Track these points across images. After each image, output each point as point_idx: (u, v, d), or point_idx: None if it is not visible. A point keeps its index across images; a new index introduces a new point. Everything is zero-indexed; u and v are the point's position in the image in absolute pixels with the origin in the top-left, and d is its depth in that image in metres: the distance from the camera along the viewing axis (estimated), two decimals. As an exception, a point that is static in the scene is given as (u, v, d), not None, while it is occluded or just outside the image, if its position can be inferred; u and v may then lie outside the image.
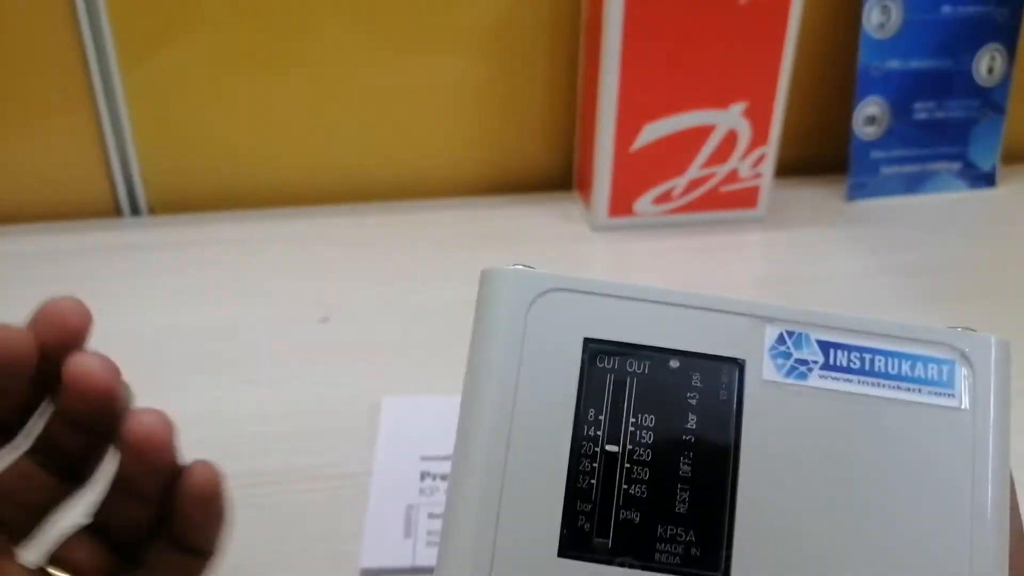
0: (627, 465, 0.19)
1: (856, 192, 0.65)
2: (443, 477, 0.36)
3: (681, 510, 0.18)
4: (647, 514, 0.18)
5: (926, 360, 0.20)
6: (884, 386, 0.19)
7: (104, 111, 0.57)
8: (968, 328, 0.20)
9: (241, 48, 0.58)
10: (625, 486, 0.18)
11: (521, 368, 0.19)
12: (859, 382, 0.19)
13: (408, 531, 0.34)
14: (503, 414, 0.19)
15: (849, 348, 0.19)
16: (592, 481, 0.18)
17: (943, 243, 0.62)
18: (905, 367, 0.19)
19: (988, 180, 0.68)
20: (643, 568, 0.18)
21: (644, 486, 0.18)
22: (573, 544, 0.18)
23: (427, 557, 0.33)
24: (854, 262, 0.58)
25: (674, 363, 0.19)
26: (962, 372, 0.19)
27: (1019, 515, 0.21)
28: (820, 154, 0.68)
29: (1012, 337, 0.53)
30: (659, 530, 0.18)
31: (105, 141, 0.58)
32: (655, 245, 0.60)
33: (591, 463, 0.19)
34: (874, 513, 0.19)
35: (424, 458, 0.38)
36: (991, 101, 0.66)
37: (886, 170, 0.66)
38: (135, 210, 0.61)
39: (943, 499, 0.19)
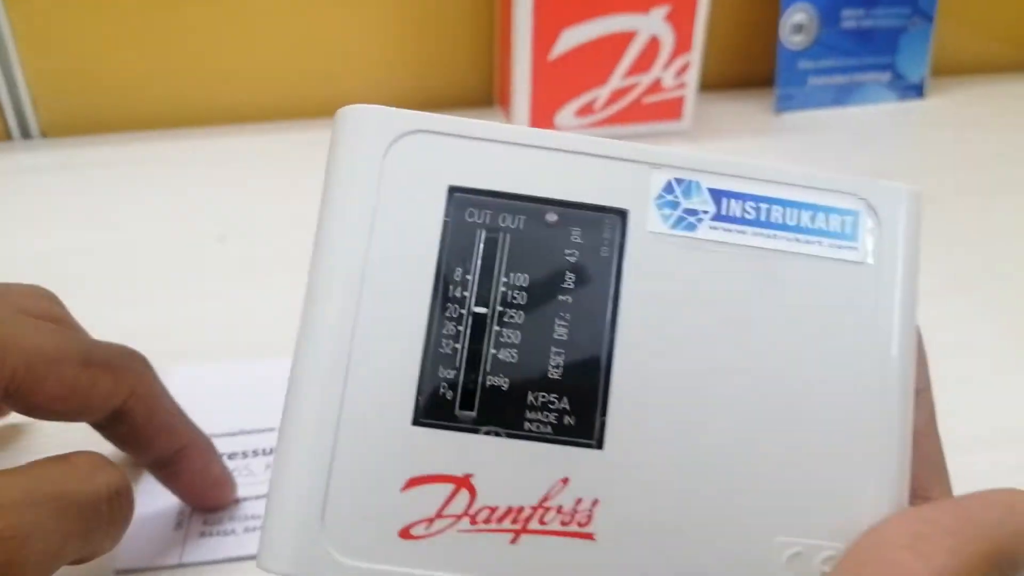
0: (496, 328, 0.17)
1: (784, 104, 0.64)
2: (230, 456, 0.32)
3: (555, 376, 0.17)
4: (517, 380, 0.17)
5: (828, 210, 0.18)
6: (781, 238, 0.18)
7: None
8: (880, 180, 0.18)
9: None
10: (494, 351, 0.17)
11: (376, 219, 0.17)
12: (753, 233, 0.18)
13: (180, 522, 0.29)
14: (353, 269, 0.17)
15: (744, 197, 0.18)
16: (456, 345, 0.17)
17: (871, 153, 0.61)
18: (804, 217, 0.18)
19: (917, 91, 0.67)
20: (510, 436, 0.17)
21: (515, 350, 0.17)
22: (430, 412, 0.17)
23: (198, 552, 0.28)
24: (780, 173, 0.57)
25: (551, 215, 0.18)
26: (867, 223, 0.18)
27: (925, 371, 0.20)
28: (747, 67, 0.66)
29: (935, 236, 0.53)
30: (529, 397, 0.17)
31: (-10, 62, 0.55)
32: (578, 160, 0.58)
33: (456, 326, 0.17)
34: (768, 375, 0.17)
35: (211, 436, 0.31)
36: (920, 9, 0.65)
37: (814, 81, 0.64)
38: (26, 134, 0.57)
39: (843, 359, 0.17)
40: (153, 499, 0.30)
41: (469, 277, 0.17)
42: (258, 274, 0.45)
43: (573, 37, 0.55)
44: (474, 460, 0.16)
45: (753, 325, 0.17)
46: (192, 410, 0.34)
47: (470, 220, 0.17)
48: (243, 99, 0.60)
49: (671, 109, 0.59)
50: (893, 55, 0.66)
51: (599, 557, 0.16)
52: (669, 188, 0.18)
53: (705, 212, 0.18)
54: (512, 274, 0.17)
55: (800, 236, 0.18)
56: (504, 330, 0.17)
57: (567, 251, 0.17)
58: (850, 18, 0.63)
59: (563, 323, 0.17)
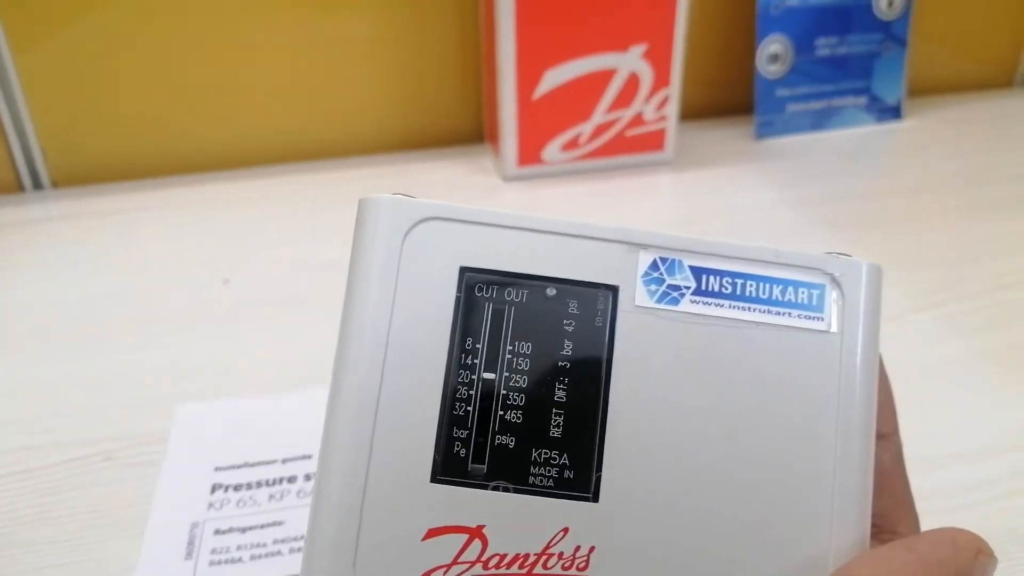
0: (503, 392, 0.19)
1: (764, 131, 0.66)
2: (235, 488, 0.34)
3: (556, 434, 0.19)
4: (522, 439, 0.19)
5: (796, 284, 0.20)
6: (754, 310, 0.20)
7: (-1, 92, 0.56)
8: (842, 254, 0.20)
9: (136, 19, 0.57)
10: (501, 412, 0.19)
11: (396, 297, 0.19)
12: (730, 306, 0.20)
13: (190, 551, 0.31)
14: (377, 343, 0.19)
15: (721, 273, 0.20)
16: (468, 408, 0.19)
17: (850, 175, 0.63)
18: (776, 291, 0.20)
19: (894, 113, 0.70)
20: (516, 491, 0.18)
21: (520, 412, 0.19)
22: (447, 470, 0.18)
23: None
24: (762, 197, 0.59)
25: (551, 291, 0.19)
26: (832, 295, 0.20)
27: (893, 415, 0.22)
28: (727, 96, 0.69)
29: (912, 259, 0.55)
30: (534, 454, 0.19)
31: (1, 121, 0.57)
32: (566, 191, 0.60)
33: (468, 390, 0.19)
34: (742, 434, 0.19)
35: (218, 468, 0.35)
36: (893, 34, 0.67)
37: (792, 107, 0.66)
38: (37, 185, 0.60)
39: (810, 420, 0.19)
40: (164, 529, 0.32)
41: (479, 346, 0.19)
42: (262, 315, 0.47)
43: (556, 77, 0.57)
44: (485, 513, 0.18)
45: (730, 388, 0.19)
46: (198, 446, 0.36)
47: (479, 295, 0.19)
48: (243, 145, 0.63)
49: (654, 141, 0.61)
50: (869, 79, 0.68)
51: None
52: (654, 266, 0.20)
53: (687, 287, 0.20)
54: (517, 343, 0.19)
55: (772, 308, 0.20)
56: (510, 393, 0.19)
57: (565, 322, 0.19)
58: (824, 46, 0.66)
59: (562, 386, 0.19)
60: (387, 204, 0.19)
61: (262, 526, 0.33)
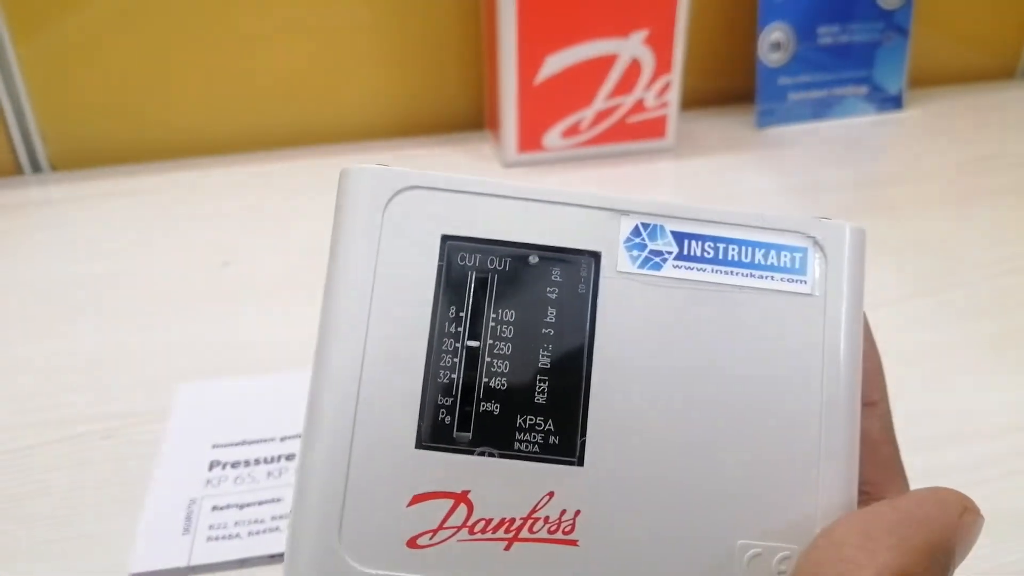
0: (488, 359, 0.19)
1: (765, 119, 0.66)
2: (233, 465, 0.34)
3: (540, 400, 0.19)
4: (507, 405, 0.19)
5: (779, 248, 0.20)
6: (736, 274, 0.20)
7: (-1, 76, 0.56)
8: (825, 217, 0.20)
9: (136, 4, 0.57)
10: (486, 379, 0.19)
11: (378, 266, 0.19)
12: (712, 271, 0.20)
13: (188, 527, 0.32)
14: (360, 313, 0.19)
15: (703, 238, 0.20)
16: (453, 376, 0.19)
17: (851, 164, 0.63)
18: (758, 255, 0.20)
19: (895, 103, 0.69)
20: (502, 456, 0.19)
21: (504, 379, 0.19)
22: (432, 436, 0.18)
23: (205, 555, 0.31)
24: (763, 185, 0.59)
25: (533, 258, 0.19)
26: (815, 259, 0.20)
27: (882, 383, 0.22)
28: (728, 84, 0.69)
29: (911, 247, 0.55)
30: (519, 420, 0.19)
31: (1, 105, 0.57)
32: (567, 178, 0.60)
33: (452, 358, 0.19)
34: (725, 398, 0.19)
35: (215, 446, 0.35)
36: (895, 23, 0.67)
37: (794, 96, 0.66)
38: (36, 168, 0.60)
39: (795, 384, 0.19)
40: (161, 505, 0.33)
41: (462, 314, 0.19)
42: (260, 296, 0.47)
43: (557, 62, 0.57)
44: (471, 478, 0.18)
45: (713, 352, 0.19)
46: (197, 424, 0.36)
47: (462, 263, 0.19)
48: (243, 129, 0.63)
49: (655, 128, 0.61)
50: (870, 68, 0.68)
51: (582, 560, 0.18)
52: (636, 232, 0.20)
53: (669, 252, 0.20)
54: (500, 310, 0.19)
55: (754, 272, 0.20)
56: (494, 361, 0.19)
57: (548, 289, 0.19)
58: (826, 35, 0.66)
59: (546, 353, 0.19)
60: (368, 174, 0.19)
61: (260, 503, 0.33)
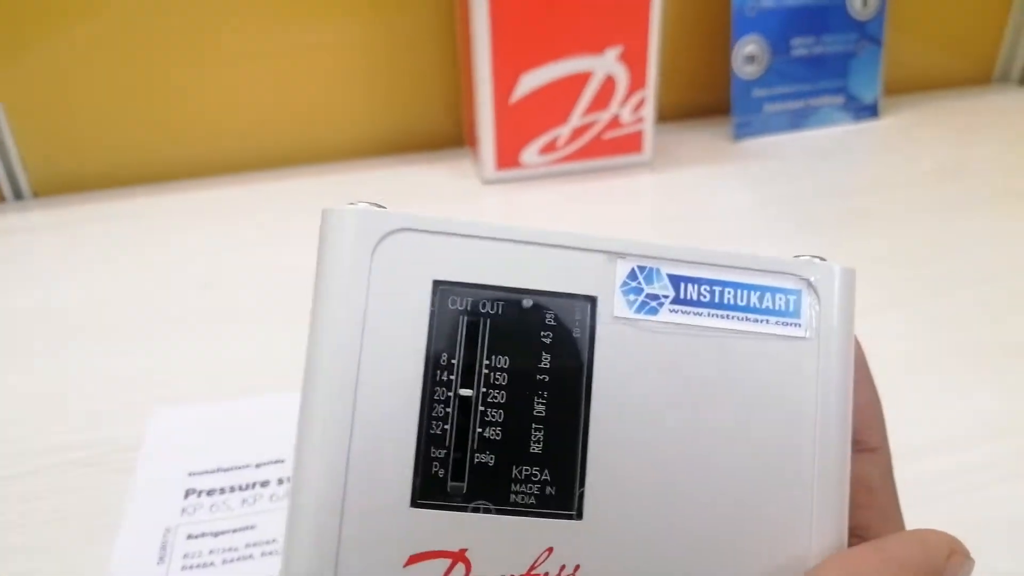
0: (481, 408, 0.18)
1: (741, 131, 0.67)
2: (208, 493, 0.34)
3: (536, 450, 0.18)
4: (502, 456, 0.18)
5: (774, 291, 0.20)
6: (732, 318, 0.19)
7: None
8: (817, 256, 0.20)
9: (114, 33, 0.57)
10: (480, 429, 0.18)
11: (367, 314, 0.18)
12: (709, 315, 0.19)
13: (163, 556, 0.32)
14: (348, 364, 0.18)
15: (699, 281, 0.19)
16: (446, 427, 0.18)
17: (828, 173, 0.63)
18: (753, 298, 0.20)
19: (871, 111, 0.70)
20: (498, 511, 0.18)
21: (499, 428, 0.18)
22: (427, 493, 0.18)
23: None
24: (741, 197, 0.60)
25: (527, 302, 0.19)
26: (808, 301, 0.20)
27: (882, 430, 0.22)
28: (704, 97, 0.69)
29: (887, 256, 0.55)
30: (514, 471, 0.18)
31: (-17, 129, 0.58)
32: (545, 195, 0.60)
33: (444, 408, 0.18)
34: (723, 443, 0.19)
35: (191, 474, 0.35)
36: (868, 34, 0.68)
37: (769, 107, 0.67)
38: (18, 195, 0.60)
39: (789, 427, 0.19)
40: (137, 534, 0.33)
41: (454, 362, 0.18)
42: (241, 319, 0.47)
43: (532, 80, 0.58)
44: (468, 536, 0.18)
45: (710, 398, 0.19)
46: (173, 451, 0.36)
47: (453, 308, 0.18)
48: (223, 153, 0.63)
49: (631, 143, 0.62)
50: (845, 78, 0.69)
51: None
52: (633, 275, 0.19)
53: (665, 296, 0.19)
54: (493, 356, 0.18)
55: (750, 316, 0.19)
56: (488, 410, 0.18)
57: (543, 334, 0.19)
58: (800, 46, 0.66)
59: (541, 400, 0.18)
60: (354, 216, 0.18)
61: (234, 530, 0.33)
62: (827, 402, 0.19)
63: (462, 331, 0.18)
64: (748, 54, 0.65)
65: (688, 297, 0.19)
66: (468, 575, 0.18)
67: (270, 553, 0.32)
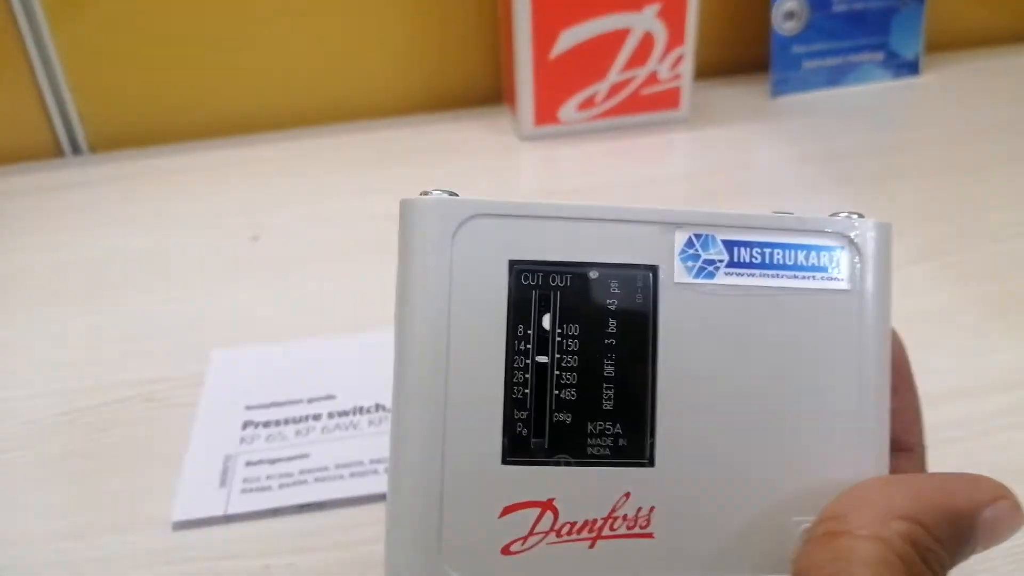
0: (556, 372, 0.20)
1: (780, 88, 0.67)
2: (265, 424, 0.37)
3: (608, 407, 0.20)
4: (578, 414, 0.20)
5: (818, 249, 0.21)
6: (782, 276, 0.21)
7: (38, 65, 0.59)
8: (855, 213, 0.22)
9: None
10: (556, 391, 0.20)
11: (452, 295, 0.20)
12: (761, 275, 0.21)
13: (224, 480, 0.34)
14: (438, 341, 0.20)
15: (751, 244, 0.21)
16: (526, 391, 0.20)
17: (865, 131, 0.63)
18: (800, 257, 0.21)
19: (912, 68, 0.70)
20: (578, 464, 0.20)
21: (573, 390, 0.20)
22: (514, 450, 0.20)
23: (240, 505, 0.33)
24: (777, 153, 0.60)
25: (593, 274, 0.21)
26: (849, 256, 0.22)
27: (919, 430, 0.24)
28: (743, 54, 0.69)
29: (919, 212, 0.56)
30: (589, 427, 0.20)
31: (42, 91, 0.60)
32: (583, 150, 0.61)
33: (524, 375, 0.20)
34: (778, 392, 0.21)
35: (248, 407, 0.38)
36: (911, -11, 0.67)
37: (808, 64, 0.67)
38: (76, 150, 0.63)
39: (836, 370, 0.21)
40: (200, 461, 0.35)
41: (531, 332, 0.20)
42: (288, 268, 0.50)
43: (571, 37, 0.58)
44: (554, 486, 0.20)
45: (764, 349, 0.21)
46: (231, 387, 0.39)
47: (526, 284, 0.20)
48: (270, 110, 0.65)
49: (669, 99, 0.63)
50: (886, 35, 0.68)
51: (659, 550, 0.20)
52: (690, 243, 0.21)
53: (721, 261, 0.21)
54: (565, 325, 0.20)
55: (798, 273, 0.21)
56: (563, 373, 0.20)
57: (608, 302, 0.21)
58: (840, 2, 0.66)
59: (611, 362, 0.20)
60: (433, 206, 0.20)
61: (289, 458, 0.35)
62: (867, 344, 0.21)
63: (536, 304, 0.20)
64: (788, 10, 0.65)
65: (741, 260, 0.21)
66: (556, 521, 0.20)
67: (323, 479, 0.34)
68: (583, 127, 0.62)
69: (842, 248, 0.21)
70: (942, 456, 0.35)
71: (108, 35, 0.60)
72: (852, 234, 0.21)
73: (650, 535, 0.20)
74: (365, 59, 0.65)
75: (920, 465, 0.23)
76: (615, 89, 0.61)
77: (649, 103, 0.62)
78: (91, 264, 0.51)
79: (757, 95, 0.67)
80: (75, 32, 0.59)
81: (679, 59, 0.61)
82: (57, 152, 0.63)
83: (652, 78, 0.61)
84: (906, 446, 0.23)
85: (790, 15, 0.65)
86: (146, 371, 0.42)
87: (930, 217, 0.52)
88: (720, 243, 0.21)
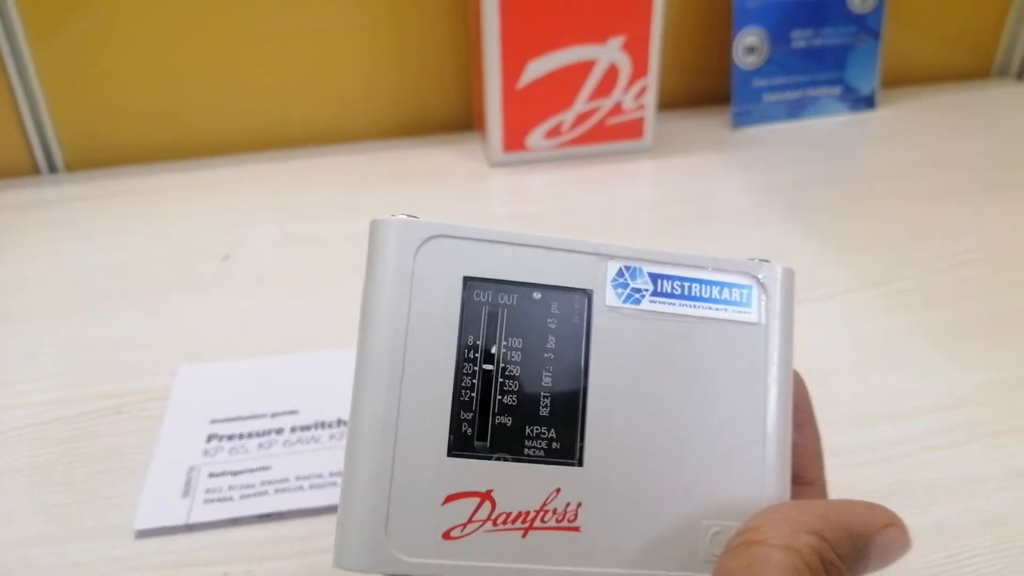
0: (500, 380, 0.23)
1: (741, 120, 0.69)
2: (228, 438, 0.38)
3: (544, 413, 0.23)
4: (517, 418, 0.23)
5: (731, 285, 0.25)
6: (699, 307, 0.24)
7: (17, 83, 0.60)
8: (764, 260, 0.25)
9: (145, 10, 0.61)
10: (499, 397, 0.23)
11: (411, 305, 0.23)
12: (680, 304, 0.24)
13: (187, 490, 0.36)
14: (397, 344, 0.22)
15: (672, 278, 0.24)
16: (472, 395, 0.23)
17: (822, 162, 0.66)
18: (715, 291, 0.24)
19: (868, 103, 0.73)
20: (515, 460, 0.23)
21: (514, 396, 0.23)
22: (458, 446, 0.22)
23: (202, 514, 0.35)
24: (737, 183, 0.63)
25: (537, 295, 0.23)
26: (757, 294, 0.25)
27: (818, 487, 0.26)
28: (705, 86, 0.72)
29: (868, 240, 0.58)
30: (527, 430, 0.23)
31: (20, 109, 0.62)
32: (550, 177, 0.63)
33: (471, 380, 0.23)
34: (692, 407, 0.24)
35: (213, 421, 0.39)
36: (867, 27, 0.70)
37: (769, 97, 0.70)
38: (53, 168, 0.64)
39: (745, 393, 0.24)
40: (164, 472, 0.37)
41: (479, 343, 0.23)
42: (255, 287, 0.51)
43: (538, 68, 0.61)
44: (492, 480, 0.22)
45: (682, 369, 0.24)
46: (197, 401, 0.40)
47: (478, 299, 0.23)
48: (244, 130, 0.67)
49: (633, 129, 0.65)
50: (843, 71, 0.71)
51: (584, 542, 0.22)
52: (620, 273, 0.24)
53: (646, 290, 0.24)
54: (510, 338, 0.23)
55: (712, 305, 0.24)
56: (506, 381, 0.23)
57: (549, 320, 0.23)
58: (799, 38, 0.69)
59: (548, 374, 0.23)
60: (398, 226, 0.23)
61: (251, 470, 0.37)
62: (771, 372, 0.24)
63: (485, 317, 0.23)
64: (748, 45, 0.67)
65: (664, 290, 0.24)
66: (493, 511, 0.22)
67: (283, 490, 0.36)
68: (550, 154, 0.65)
69: (751, 287, 0.24)
70: (882, 472, 0.38)
71: (88, 56, 0.61)
72: (760, 275, 0.25)
73: (577, 528, 0.23)
74: (341, 85, 0.67)
75: (821, 497, 0.26)
76: (581, 118, 0.63)
77: (614, 132, 0.65)
78: (64, 280, 0.52)
79: (719, 126, 0.70)
80: (55, 52, 0.61)
81: (643, 90, 0.63)
82: (34, 170, 0.64)
83: (617, 108, 0.64)
84: (807, 480, 0.25)
85: (751, 50, 0.68)
86: (115, 385, 0.43)
87: (878, 246, 0.54)
88: (646, 274, 0.24)
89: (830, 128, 0.71)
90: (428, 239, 0.23)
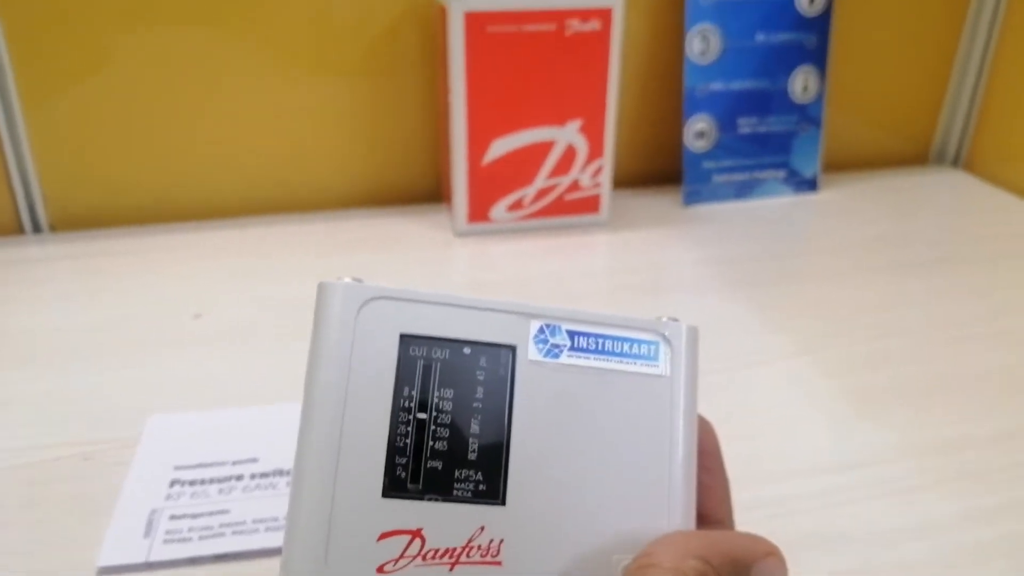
0: (433, 428, 0.25)
1: (691, 198, 0.74)
2: (191, 483, 0.41)
3: (472, 457, 0.25)
4: (447, 462, 0.25)
5: (639, 342, 0.27)
6: (612, 360, 0.27)
7: (8, 146, 0.64)
8: (672, 318, 0.28)
9: (135, 83, 0.65)
10: (431, 443, 0.25)
11: (352, 359, 0.25)
12: (595, 358, 0.27)
13: (148, 531, 0.38)
14: (338, 395, 0.25)
15: (587, 335, 0.27)
16: (407, 441, 0.25)
17: (767, 239, 0.70)
18: (625, 347, 0.27)
19: (811, 185, 0.78)
20: (444, 501, 0.25)
21: (445, 442, 0.25)
22: (392, 487, 0.25)
23: (161, 553, 0.37)
24: (687, 256, 0.67)
25: (467, 350, 0.26)
26: (664, 349, 0.27)
27: (718, 454, 0.29)
28: (658, 167, 0.77)
29: (805, 311, 0.62)
30: (456, 472, 0.25)
31: (9, 171, 0.65)
32: (512, 247, 0.67)
33: (406, 427, 0.25)
34: (605, 452, 0.26)
35: (177, 467, 0.41)
36: (808, 116, 0.76)
37: (718, 178, 0.75)
38: (37, 228, 0.67)
39: (652, 439, 0.27)
40: (127, 514, 0.39)
41: (414, 393, 0.25)
42: (225, 344, 0.54)
43: (502, 146, 0.65)
44: (423, 519, 0.24)
45: (596, 417, 0.26)
46: (163, 449, 0.42)
47: (413, 354, 0.25)
48: (222, 197, 0.70)
49: (590, 204, 0.69)
50: (787, 155, 0.76)
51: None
52: (541, 330, 0.27)
53: (564, 345, 0.26)
54: (442, 389, 0.25)
55: (624, 359, 0.27)
56: (438, 428, 0.25)
57: (477, 372, 0.25)
58: (745, 125, 0.74)
59: (476, 421, 0.25)
60: (342, 288, 0.26)
61: (211, 513, 0.39)
62: (677, 421, 0.27)
63: (419, 370, 0.25)
64: (698, 130, 0.73)
65: (580, 346, 0.27)
66: (423, 547, 0.24)
67: (240, 532, 0.38)
68: (512, 226, 0.69)
69: (659, 343, 0.27)
70: (801, 522, 0.41)
71: (77, 124, 0.65)
72: (667, 332, 0.27)
73: (499, 563, 0.25)
74: (317, 157, 0.71)
75: None
76: (541, 193, 0.68)
77: (572, 207, 0.69)
78: (43, 334, 0.54)
79: (671, 204, 0.74)
80: (46, 119, 0.65)
81: (599, 169, 0.68)
82: (18, 229, 0.67)
83: (575, 185, 0.68)
84: (717, 519, 0.28)
85: (700, 134, 0.73)
86: (85, 433, 0.45)
87: (810, 317, 0.58)
88: (564, 332, 0.27)
89: (775, 208, 0.75)
90: (369, 300, 0.25)
